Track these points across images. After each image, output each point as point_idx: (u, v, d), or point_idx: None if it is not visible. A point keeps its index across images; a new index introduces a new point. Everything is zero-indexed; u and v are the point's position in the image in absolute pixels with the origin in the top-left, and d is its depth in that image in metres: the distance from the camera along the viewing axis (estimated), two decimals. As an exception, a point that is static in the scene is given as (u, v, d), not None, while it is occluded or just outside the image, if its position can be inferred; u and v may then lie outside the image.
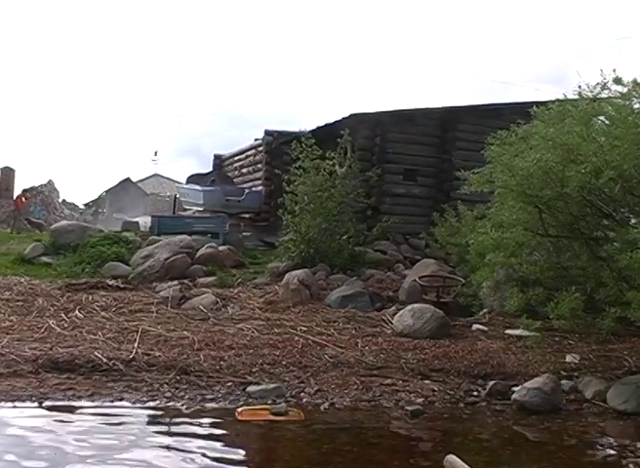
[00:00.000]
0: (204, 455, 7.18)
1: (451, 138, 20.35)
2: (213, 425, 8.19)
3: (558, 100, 10.83)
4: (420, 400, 9.34)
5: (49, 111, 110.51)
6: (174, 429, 8.04)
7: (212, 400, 9.02)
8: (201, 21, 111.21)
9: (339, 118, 19.76)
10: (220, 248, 17.96)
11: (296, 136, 18.45)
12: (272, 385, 9.43)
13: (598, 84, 10.28)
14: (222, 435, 7.97)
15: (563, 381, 10.10)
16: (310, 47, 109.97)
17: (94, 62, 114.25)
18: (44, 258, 17.74)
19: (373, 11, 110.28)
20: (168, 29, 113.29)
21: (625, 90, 10.15)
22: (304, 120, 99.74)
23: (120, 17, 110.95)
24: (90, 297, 13.92)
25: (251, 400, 9.02)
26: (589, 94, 10.37)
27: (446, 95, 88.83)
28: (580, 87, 10.38)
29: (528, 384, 9.42)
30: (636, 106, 10.04)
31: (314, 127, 20.20)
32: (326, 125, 20.32)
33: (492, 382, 9.90)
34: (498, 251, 10.56)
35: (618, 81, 10.16)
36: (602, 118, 10.31)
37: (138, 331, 11.43)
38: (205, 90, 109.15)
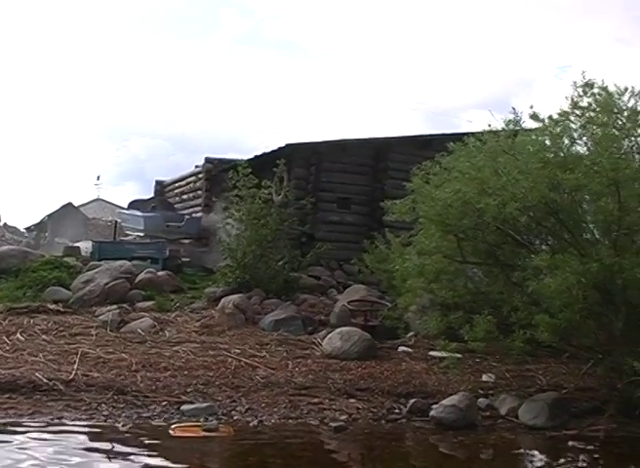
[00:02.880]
0: (139, 468, 7.68)
1: (383, 168, 20.87)
2: (148, 441, 8.61)
3: (473, 134, 11.46)
4: (344, 417, 9.83)
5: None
6: (111, 445, 8.44)
7: (148, 418, 9.41)
8: (148, 45, 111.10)
9: (275, 148, 20.32)
10: (160, 273, 18.17)
11: (234, 165, 18.92)
12: (205, 404, 9.87)
13: (511, 121, 11.03)
14: (157, 450, 8.40)
15: (480, 399, 10.62)
16: (254, 73, 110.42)
17: (35, 83, 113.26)
18: (-15, 283, 17.80)
19: (313, 39, 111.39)
20: (112, 51, 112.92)
21: (541, 125, 10.85)
22: (249, 146, 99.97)
23: (64, 37, 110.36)
24: (31, 321, 14.13)
25: (185, 418, 9.43)
26: (504, 129, 11.10)
27: (387, 123, 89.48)
28: (489, 125, 11.12)
29: (445, 402, 9.95)
30: (548, 142, 10.69)
31: (252, 156, 20.75)
32: (263, 154, 20.84)
33: (413, 400, 10.41)
34: (421, 276, 11.16)
35: (534, 117, 10.84)
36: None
37: (77, 354, 11.74)
38: (149, 113, 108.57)
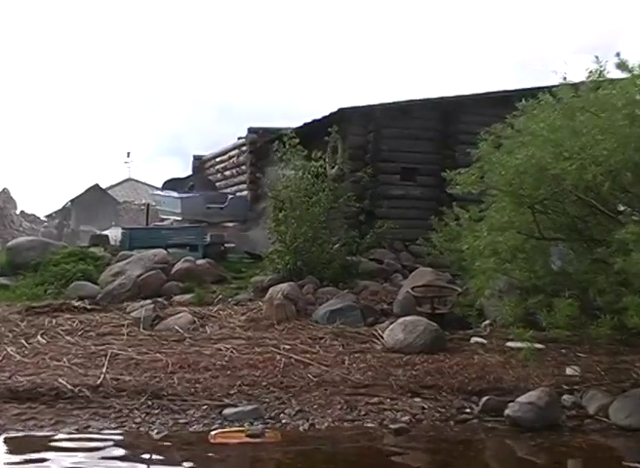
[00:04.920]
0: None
1: (453, 132, 20.80)
2: (184, 449, 8.96)
3: (548, 89, 11.37)
4: (406, 418, 10.01)
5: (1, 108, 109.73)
6: (141, 456, 8.84)
7: (185, 424, 9.70)
8: (185, 7, 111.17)
9: (326, 113, 20.36)
10: (199, 262, 18.49)
11: (280, 135, 18.98)
12: (250, 407, 10.13)
13: (593, 72, 10.87)
14: (193, 459, 8.76)
15: (564, 396, 10.65)
16: (304, 33, 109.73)
17: (55, 50, 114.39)
18: (0, 280, 18.18)
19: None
20: (144, 15, 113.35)
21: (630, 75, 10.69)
22: (298, 112, 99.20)
23: (88, 6, 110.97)
24: (53, 321, 14.48)
25: (227, 423, 9.71)
26: (583, 82, 11.01)
27: (462, 79, 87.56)
28: (564, 78, 11.02)
29: (521, 399, 10.02)
30: (638, 96, 10.53)
31: (301, 124, 20.92)
32: (313, 121, 20.92)
33: (486, 398, 10.45)
34: (494, 256, 11.15)
35: (621, 66, 10.74)
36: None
37: (106, 356, 12.05)
38: (186, 78, 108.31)
